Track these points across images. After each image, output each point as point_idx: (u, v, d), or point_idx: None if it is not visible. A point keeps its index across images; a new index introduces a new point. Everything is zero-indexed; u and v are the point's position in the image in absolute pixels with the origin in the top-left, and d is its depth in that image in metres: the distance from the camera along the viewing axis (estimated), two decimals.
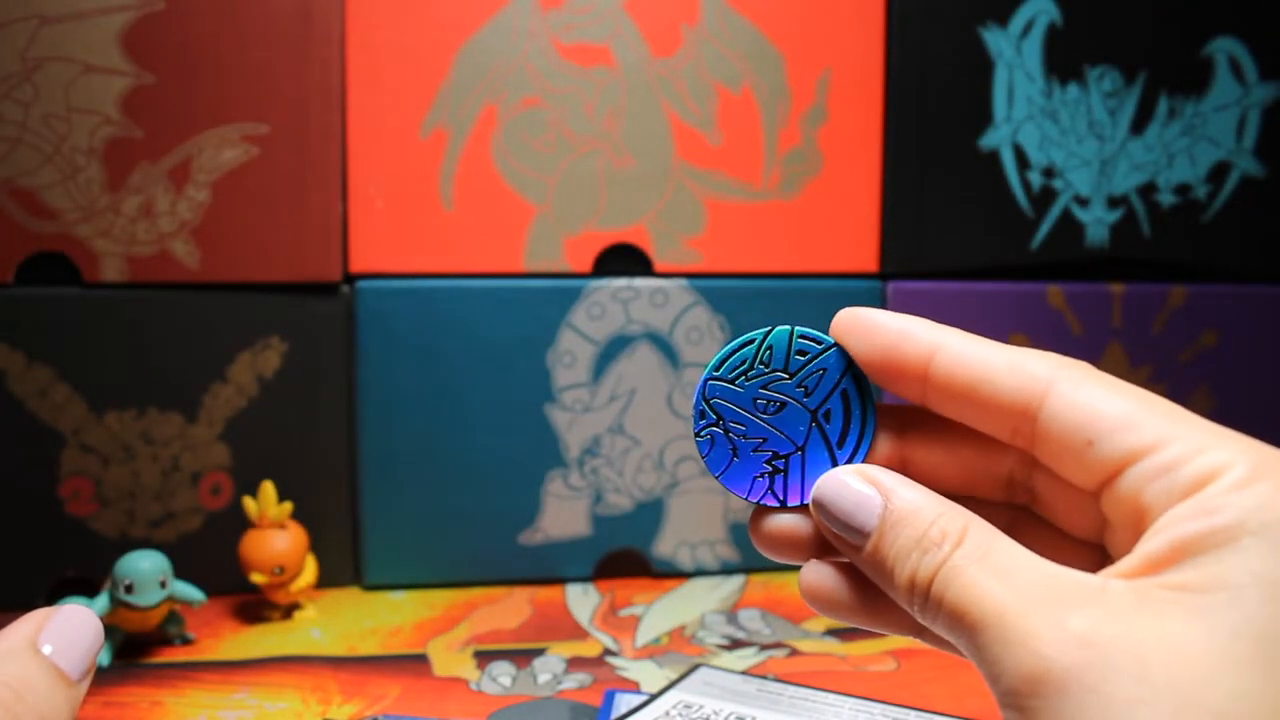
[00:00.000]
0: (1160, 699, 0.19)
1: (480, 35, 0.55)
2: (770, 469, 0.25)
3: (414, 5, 0.54)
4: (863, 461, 0.25)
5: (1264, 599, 0.19)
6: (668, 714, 0.41)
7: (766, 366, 0.25)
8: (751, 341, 0.25)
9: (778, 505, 0.25)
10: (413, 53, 0.54)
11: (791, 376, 0.25)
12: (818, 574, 0.25)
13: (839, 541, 0.24)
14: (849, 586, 0.25)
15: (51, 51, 0.50)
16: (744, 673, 0.45)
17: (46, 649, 0.24)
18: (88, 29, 0.50)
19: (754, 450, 0.25)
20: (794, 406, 0.25)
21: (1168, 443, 0.21)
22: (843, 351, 0.25)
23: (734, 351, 0.25)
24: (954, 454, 0.25)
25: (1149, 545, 0.20)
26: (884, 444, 0.26)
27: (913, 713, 0.40)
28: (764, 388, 0.25)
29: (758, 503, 0.25)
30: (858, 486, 0.24)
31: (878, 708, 0.41)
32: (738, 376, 0.25)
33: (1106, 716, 0.19)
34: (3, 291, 0.51)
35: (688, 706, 0.42)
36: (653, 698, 0.42)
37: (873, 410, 0.25)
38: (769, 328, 0.25)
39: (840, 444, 0.25)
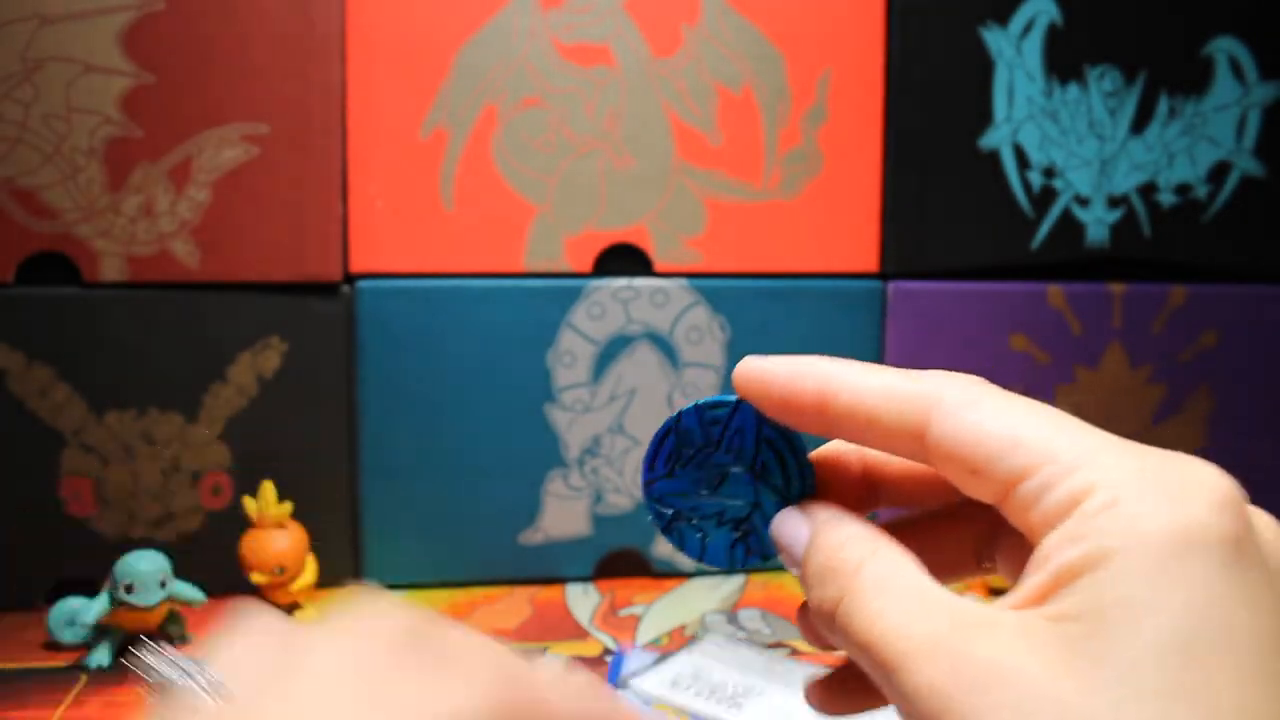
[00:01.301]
0: None
1: (480, 35, 0.55)
2: (739, 534, 0.26)
3: (414, 5, 0.54)
4: (808, 495, 0.25)
5: (1130, 622, 0.19)
6: (680, 677, 0.42)
7: (691, 448, 0.25)
8: (669, 431, 0.25)
9: (761, 561, 0.26)
10: (413, 53, 0.54)
11: (717, 447, 0.25)
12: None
13: (799, 579, 0.24)
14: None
15: (51, 51, 0.50)
16: (751, 644, 0.45)
17: None
18: (88, 29, 0.50)
19: (718, 525, 0.26)
20: (733, 473, 0.25)
21: (1044, 463, 0.21)
22: (749, 405, 0.25)
23: (658, 448, 0.25)
24: (910, 474, 0.25)
25: (1032, 575, 0.20)
26: (852, 476, 0.26)
27: None
28: (699, 468, 0.26)
29: (745, 567, 0.26)
30: (792, 521, 0.24)
31: None
32: (672, 468, 0.26)
33: None
34: (3, 291, 0.51)
35: (698, 671, 0.42)
36: (660, 660, 0.42)
37: (800, 445, 0.25)
38: (676, 414, 0.25)
39: (787, 488, 0.25)
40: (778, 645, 0.49)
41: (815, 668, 0.43)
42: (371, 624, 0.23)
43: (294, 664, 0.23)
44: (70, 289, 0.52)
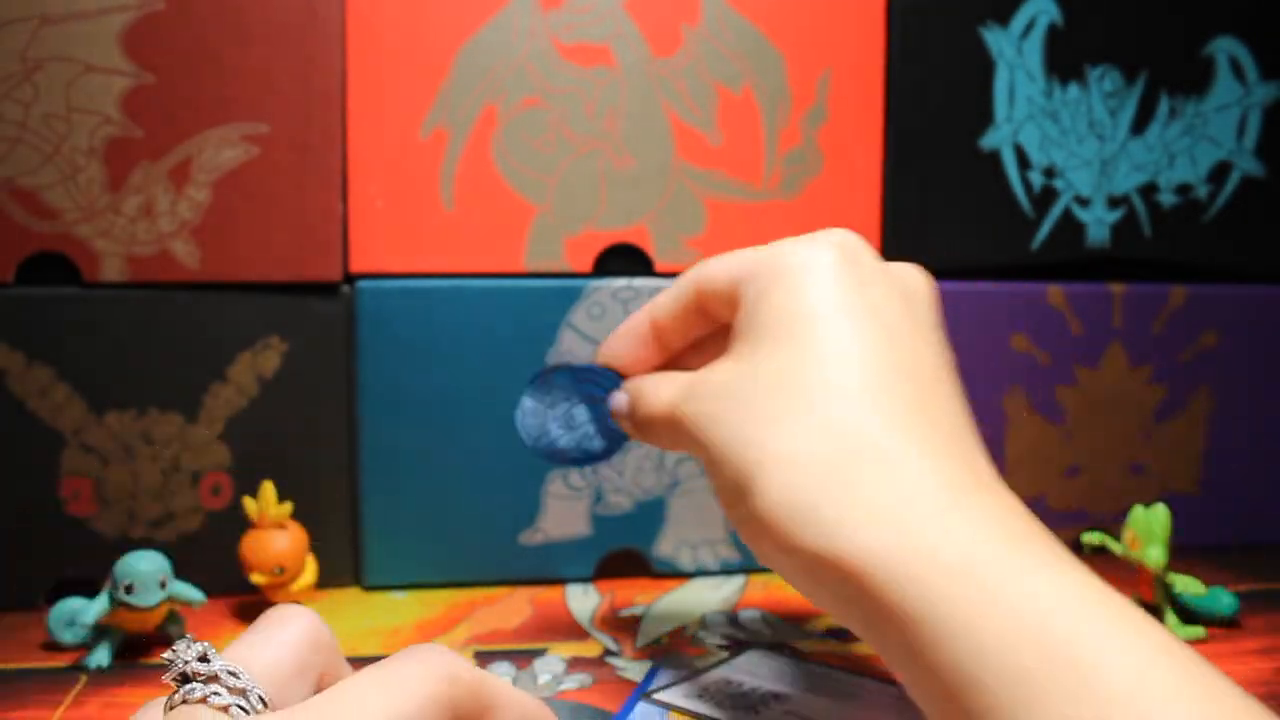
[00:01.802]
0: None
1: (480, 35, 0.55)
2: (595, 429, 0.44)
3: (414, 5, 0.54)
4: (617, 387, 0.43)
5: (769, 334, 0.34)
6: (707, 689, 0.42)
7: (550, 385, 0.45)
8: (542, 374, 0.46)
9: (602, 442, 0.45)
10: (413, 53, 0.54)
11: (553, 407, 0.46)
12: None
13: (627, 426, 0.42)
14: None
15: (52, 51, 0.50)
16: (793, 656, 0.46)
17: None
18: (88, 29, 0.50)
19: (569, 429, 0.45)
20: (576, 410, 0.45)
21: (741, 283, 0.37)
22: (562, 371, 0.45)
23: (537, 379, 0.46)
24: (683, 323, 0.40)
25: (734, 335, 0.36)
26: (646, 340, 0.42)
27: None
28: (549, 392, 0.46)
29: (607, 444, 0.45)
30: (618, 395, 0.42)
31: None
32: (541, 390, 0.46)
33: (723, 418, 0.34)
34: (2, 291, 0.51)
35: (728, 682, 0.43)
36: (696, 673, 0.43)
37: (604, 372, 0.43)
38: (551, 368, 0.46)
39: (605, 389, 0.43)
40: (779, 645, 0.48)
41: (853, 675, 0.43)
42: (412, 668, 0.26)
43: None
44: (70, 289, 0.52)
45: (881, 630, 0.27)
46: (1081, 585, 0.25)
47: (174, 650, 0.25)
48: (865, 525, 0.27)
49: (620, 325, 0.42)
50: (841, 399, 0.30)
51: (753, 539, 0.31)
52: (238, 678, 0.25)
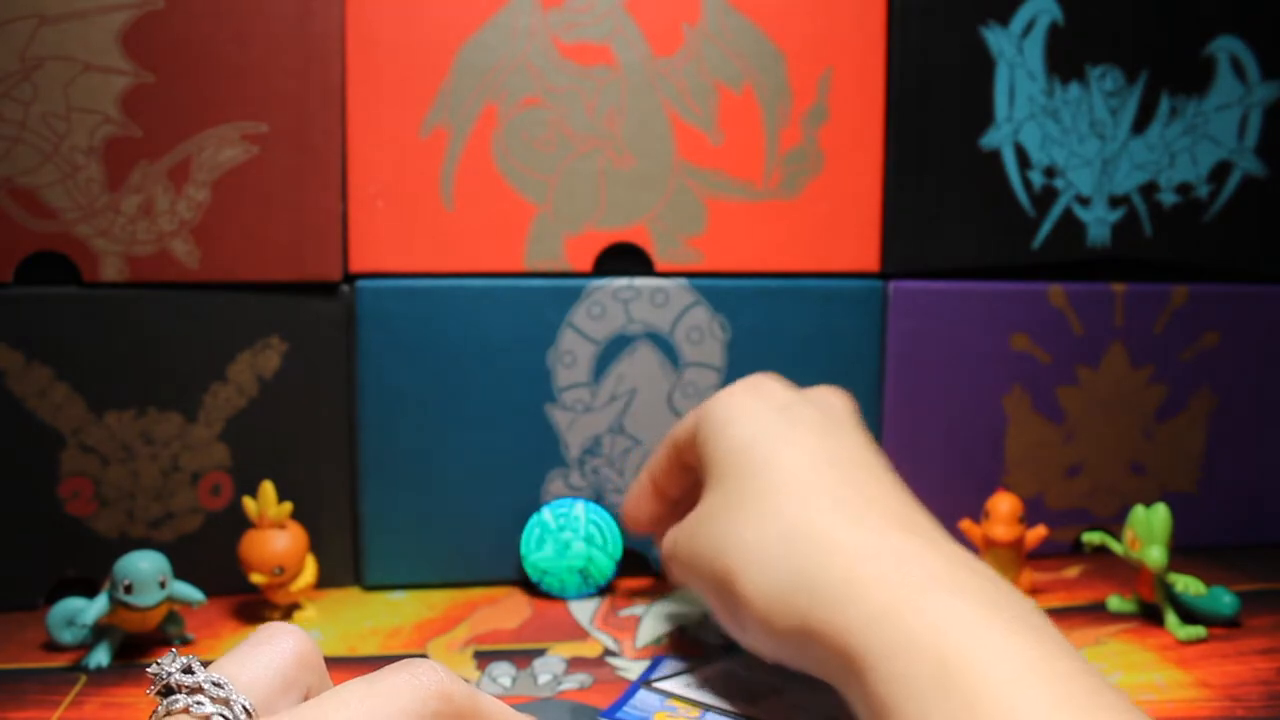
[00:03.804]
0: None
1: (480, 35, 0.55)
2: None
3: (414, 5, 0.54)
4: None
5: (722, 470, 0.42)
6: (709, 679, 0.42)
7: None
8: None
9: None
10: (413, 52, 0.54)
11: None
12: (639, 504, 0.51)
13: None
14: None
15: (51, 50, 0.50)
16: None
17: None
18: (87, 28, 0.50)
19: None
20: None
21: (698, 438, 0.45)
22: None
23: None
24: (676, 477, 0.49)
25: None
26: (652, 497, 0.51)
27: None
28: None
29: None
30: (629, 510, 0.52)
31: None
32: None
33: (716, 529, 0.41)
34: (2, 291, 0.51)
35: (729, 674, 0.43)
36: (698, 665, 0.43)
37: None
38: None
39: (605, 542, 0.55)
40: None
41: None
42: (401, 680, 0.27)
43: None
44: (69, 289, 0.52)
45: (843, 679, 0.33)
46: (971, 610, 0.31)
47: (158, 663, 0.25)
48: (824, 595, 0.34)
49: (630, 486, 0.52)
50: (787, 503, 0.37)
51: (740, 628, 0.38)
52: (221, 688, 0.25)
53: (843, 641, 0.32)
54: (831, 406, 0.43)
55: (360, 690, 0.25)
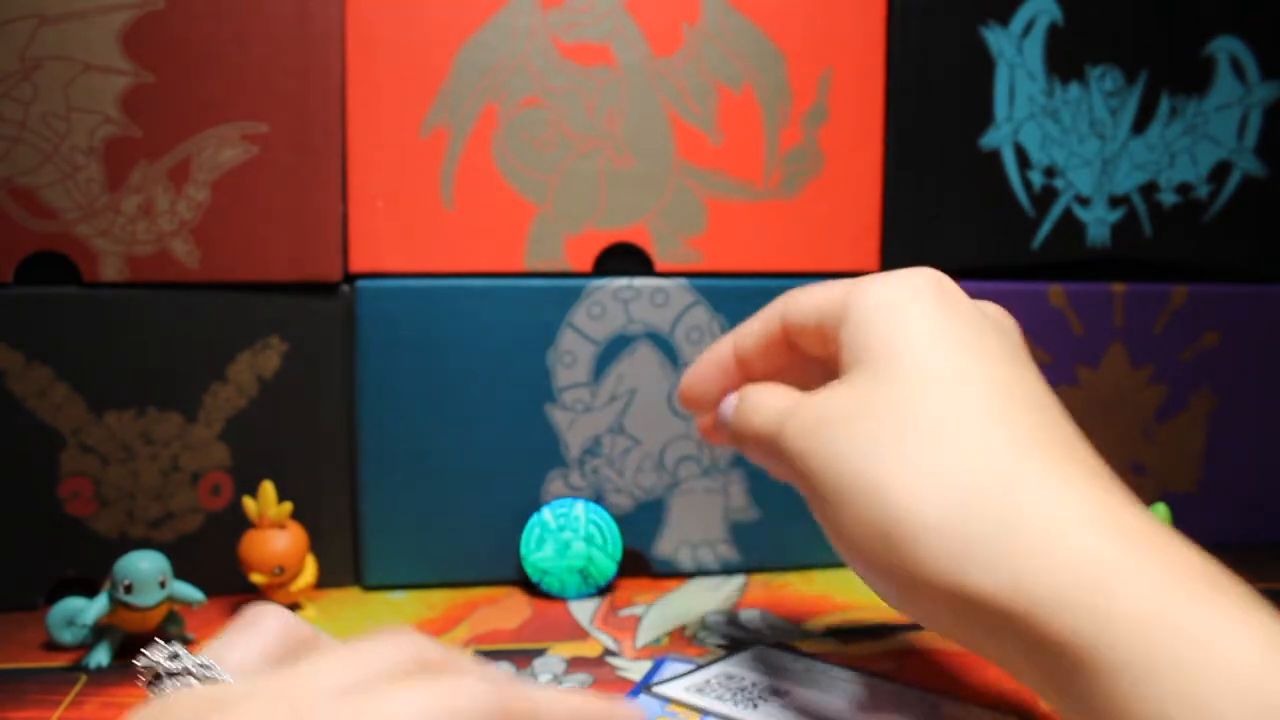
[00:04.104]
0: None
1: (480, 35, 0.55)
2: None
3: (414, 5, 0.54)
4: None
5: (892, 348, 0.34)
6: (708, 682, 0.42)
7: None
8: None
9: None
10: (413, 52, 0.54)
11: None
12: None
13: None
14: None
15: (51, 50, 0.50)
16: (797, 653, 0.46)
17: None
18: (87, 28, 0.50)
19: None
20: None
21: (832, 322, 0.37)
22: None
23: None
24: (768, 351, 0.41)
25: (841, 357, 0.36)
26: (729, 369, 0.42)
27: (962, 704, 0.40)
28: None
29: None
30: (727, 402, 0.41)
31: (928, 695, 0.41)
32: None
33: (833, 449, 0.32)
34: (2, 291, 0.51)
35: (729, 677, 0.43)
36: (699, 667, 0.43)
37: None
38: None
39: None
40: (779, 646, 0.48)
41: (853, 672, 0.43)
42: (383, 644, 0.25)
43: (294, 668, 0.24)
44: (69, 289, 0.52)
45: (1051, 672, 0.26)
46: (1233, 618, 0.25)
47: (144, 653, 0.25)
48: (1030, 564, 0.26)
49: (703, 354, 0.42)
50: (970, 428, 0.29)
51: (887, 577, 0.30)
52: (209, 669, 0.25)
53: (1078, 639, 0.25)
54: (1007, 329, 0.35)
55: (413, 688, 0.22)
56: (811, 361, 0.38)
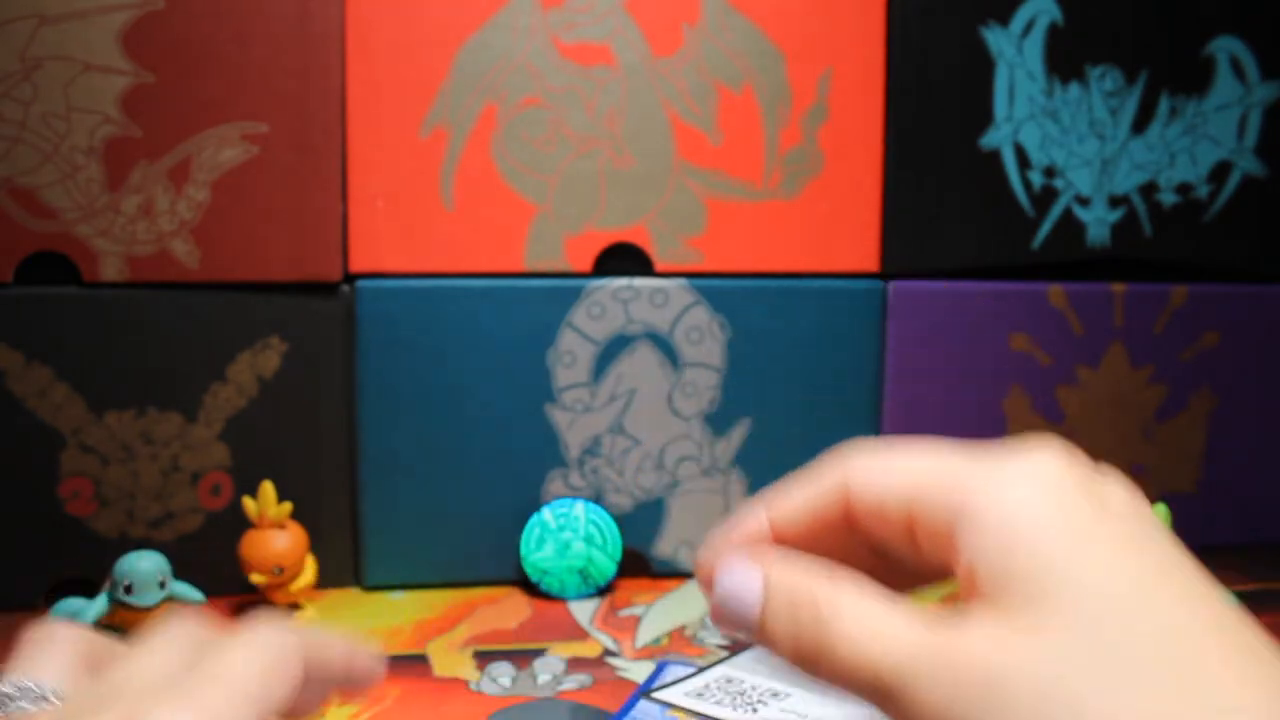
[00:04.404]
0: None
1: (480, 35, 0.55)
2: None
3: (414, 5, 0.54)
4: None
5: (1071, 602, 0.22)
6: (709, 686, 0.42)
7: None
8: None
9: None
10: (413, 52, 0.54)
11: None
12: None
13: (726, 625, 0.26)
14: None
15: (51, 50, 0.50)
16: None
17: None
18: (87, 28, 0.50)
19: None
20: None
21: (929, 502, 0.25)
22: None
23: None
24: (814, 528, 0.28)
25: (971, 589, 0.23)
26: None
27: None
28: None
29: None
30: (739, 566, 0.26)
31: None
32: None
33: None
34: (2, 291, 0.51)
35: (729, 680, 0.43)
36: (699, 670, 0.43)
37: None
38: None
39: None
40: None
41: None
42: (176, 626, 0.25)
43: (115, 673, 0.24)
44: (69, 289, 0.52)
45: None
46: None
47: None
48: None
49: (729, 528, 0.30)
50: (1198, 675, 0.22)
51: None
52: (31, 691, 0.25)
53: None
54: (1153, 519, 0.26)
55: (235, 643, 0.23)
56: (874, 548, 0.28)
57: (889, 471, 0.27)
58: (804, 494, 0.28)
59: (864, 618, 0.24)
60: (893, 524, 0.27)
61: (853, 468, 0.27)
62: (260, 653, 0.23)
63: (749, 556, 0.26)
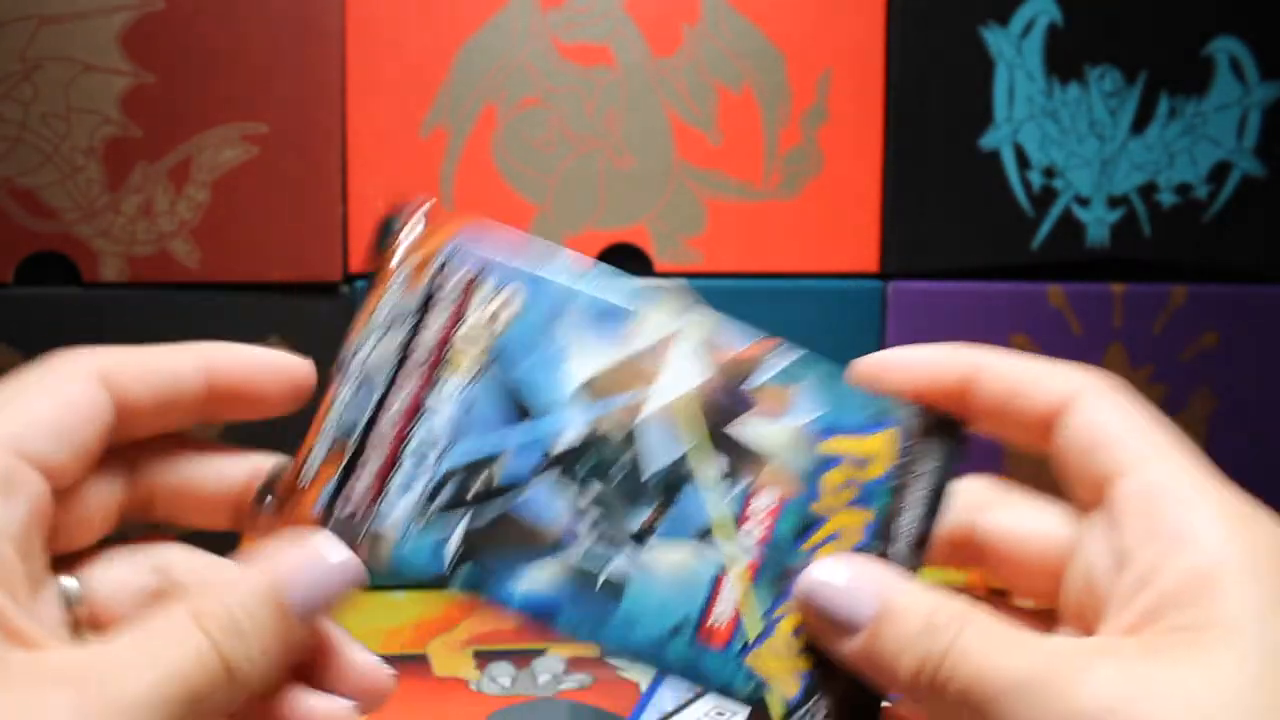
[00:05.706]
0: None
1: (480, 35, 0.55)
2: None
3: (414, 5, 0.54)
4: None
5: (1257, 633, 0.20)
6: (703, 713, 0.42)
7: None
8: None
9: None
10: (413, 53, 0.54)
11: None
12: None
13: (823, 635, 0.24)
14: None
15: (51, 51, 0.50)
16: None
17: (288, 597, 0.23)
18: (88, 29, 0.50)
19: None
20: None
21: (1153, 486, 0.22)
22: None
23: None
24: None
25: (1136, 594, 0.22)
26: None
27: None
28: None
29: None
30: (852, 587, 0.24)
31: None
32: None
33: None
34: (2, 291, 0.51)
35: (720, 713, 0.42)
36: (692, 700, 0.43)
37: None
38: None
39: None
40: None
41: None
42: None
43: None
44: (69, 289, 0.52)
45: None
46: None
47: None
48: None
49: (921, 359, 0.27)
50: None
51: None
52: None
53: None
54: None
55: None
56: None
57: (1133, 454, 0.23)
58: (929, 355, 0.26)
59: (996, 634, 0.22)
60: (1025, 425, 0.25)
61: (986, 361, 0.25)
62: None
63: (864, 563, 0.24)
